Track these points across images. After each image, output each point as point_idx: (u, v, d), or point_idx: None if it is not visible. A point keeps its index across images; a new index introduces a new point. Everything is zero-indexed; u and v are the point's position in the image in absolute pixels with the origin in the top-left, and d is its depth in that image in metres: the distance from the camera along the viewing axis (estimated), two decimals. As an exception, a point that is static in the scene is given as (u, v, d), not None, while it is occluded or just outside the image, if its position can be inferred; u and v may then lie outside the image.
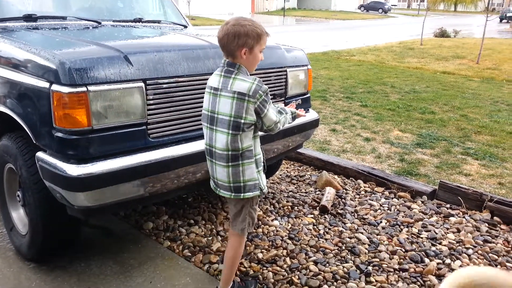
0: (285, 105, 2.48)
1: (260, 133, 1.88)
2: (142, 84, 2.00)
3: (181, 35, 2.84)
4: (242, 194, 1.84)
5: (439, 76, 9.70)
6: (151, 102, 2.06)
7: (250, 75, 1.81)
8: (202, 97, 2.21)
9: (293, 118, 2.07)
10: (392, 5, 56.51)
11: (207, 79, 2.24)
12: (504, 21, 30.90)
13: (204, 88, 1.91)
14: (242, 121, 1.74)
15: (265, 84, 2.13)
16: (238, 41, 1.72)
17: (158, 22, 3.46)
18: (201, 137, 2.28)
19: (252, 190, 1.85)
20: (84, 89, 1.83)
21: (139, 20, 3.29)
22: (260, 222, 2.78)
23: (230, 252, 2.00)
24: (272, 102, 1.90)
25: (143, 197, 2.20)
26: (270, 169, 3.42)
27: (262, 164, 1.90)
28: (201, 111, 1.91)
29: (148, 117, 2.05)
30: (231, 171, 1.81)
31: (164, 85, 2.09)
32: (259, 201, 2.10)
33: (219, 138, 1.79)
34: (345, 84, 8.20)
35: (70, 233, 2.36)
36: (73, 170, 1.85)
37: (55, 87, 1.84)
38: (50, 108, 1.87)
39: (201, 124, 1.93)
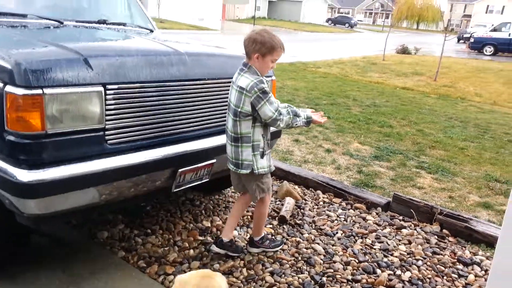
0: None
1: (272, 128, 2.37)
2: (101, 89, 1.96)
3: (146, 39, 2.82)
4: (239, 170, 2.30)
5: (399, 91, 10.10)
6: (110, 107, 2.02)
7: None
8: (165, 104, 2.23)
9: (308, 123, 2.37)
10: (358, 20, 58.43)
11: (170, 86, 2.26)
12: (461, 41, 32.61)
13: (167, 95, 2.12)
14: (239, 110, 2.18)
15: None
16: (255, 47, 2.17)
17: (124, 25, 3.40)
18: (162, 144, 2.27)
19: (246, 169, 2.28)
20: (39, 91, 1.78)
21: (104, 22, 3.21)
22: (218, 232, 2.78)
23: (255, 213, 2.57)
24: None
25: (99, 205, 2.14)
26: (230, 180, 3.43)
27: (261, 150, 2.28)
28: (163, 118, 2.21)
29: (107, 122, 2.01)
30: (233, 149, 2.29)
31: (125, 91, 2.06)
32: (268, 176, 2.44)
33: (228, 121, 2.29)
34: (310, 95, 8.37)
35: (19, 242, 2.26)
36: (24, 175, 1.78)
37: (9, 88, 1.77)
38: (2, 110, 1.80)
39: (162, 132, 2.23)
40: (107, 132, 2.02)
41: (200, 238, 2.72)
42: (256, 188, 2.37)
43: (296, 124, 2.33)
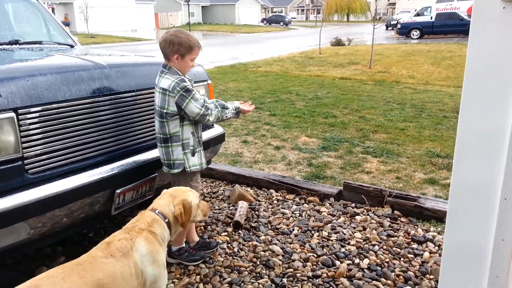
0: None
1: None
2: (12, 115, 1.76)
3: (63, 56, 2.60)
4: (172, 170, 2.30)
5: (338, 81, 10.38)
6: (27, 133, 1.82)
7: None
8: (91, 123, 2.06)
9: (237, 113, 2.43)
10: (292, 18, 59.71)
11: (94, 102, 2.08)
12: (389, 28, 34.37)
13: (92, 112, 2.04)
14: (165, 111, 2.19)
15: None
16: (172, 48, 2.18)
17: (40, 43, 3.15)
18: (93, 166, 2.09)
19: (178, 168, 2.29)
20: None
21: (16, 42, 2.95)
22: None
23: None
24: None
25: (31, 240, 1.93)
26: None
27: (191, 148, 2.29)
28: (91, 137, 2.10)
29: (24, 150, 1.81)
30: (164, 150, 2.29)
31: (41, 113, 1.86)
32: (199, 180, 2.49)
33: (156, 124, 2.28)
34: (253, 95, 8.35)
35: None
36: None
37: None
38: None
39: (92, 152, 2.12)
40: (26, 161, 1.82)
41: (151, 259, 2.55)
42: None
43: (226, 117, 2.37)
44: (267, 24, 53.48)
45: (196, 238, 2.60)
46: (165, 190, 1.98)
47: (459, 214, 1.06)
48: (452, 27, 23.97)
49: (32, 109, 1.83)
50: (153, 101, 2.40)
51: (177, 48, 2.18)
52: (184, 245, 2.49)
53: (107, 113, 2.15)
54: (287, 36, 33.36)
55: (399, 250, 2.61)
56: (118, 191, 2.15)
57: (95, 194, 2.06)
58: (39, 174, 1.87)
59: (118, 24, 37.32)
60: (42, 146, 1.88)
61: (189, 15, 42.88)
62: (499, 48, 0.92)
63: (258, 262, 2.50)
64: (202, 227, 2.95)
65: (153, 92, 2.39)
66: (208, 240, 2.70)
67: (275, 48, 20.96)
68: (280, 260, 2.51)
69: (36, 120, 1.85)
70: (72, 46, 3.25)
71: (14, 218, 1.74)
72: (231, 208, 3.30)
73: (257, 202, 3.41)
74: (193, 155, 2.32)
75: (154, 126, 2.43)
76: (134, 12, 40.85)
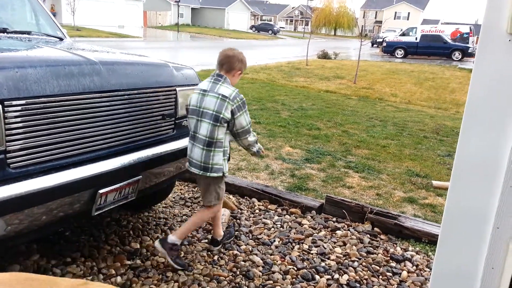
0: (175, 126, 2.68)
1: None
2: (-2, 106, 1.69)
3: (53, 48, 2.53)
4: (208, 173, 2.40)
5: (323, 94, 10.50)
6: (12, 126, 1.75)
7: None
8: (78, 119, 2.00)
9: (258, 152, 2.59)
10: (280, 27, 60.29)
11: (83, 99, 2.03)
12: (375, 45, 35.14)
13: (80, 109, 1.97)
14: (221, 115, 2.32)
15: (153, 104, 2.46)
16: (239, 65, 2.48)
17: (28, 33, 3.06)
18: (77, 164, 2.04)
19: (217, 172, 2.41)
20: None
21: (3, 31, 2.86)
22: (148, 254, 2.57)
23: (195, 218, 2.59)
24: (163, 122, 2.39)
25: (7, 237, 1.85)
26: (162, 193, 3.24)
27: (227, 155, 2.48)
28: (77, 135, 2.03)
29: (8, 144, 1.74)
30: (204, 153, 2.38)
31: (28, 107, 1.80)
32: (224, 181, 2.59)
33: (202, 126, 2.36)
34: (238, 101, 8.34)
35: None
36: None
37: None
38: None
39: (77, 150, 2.04)
40: (8, 155, 1.75)
41: (128, 262, 2.49)
42: (214, 193, 2.50)
43: (252, 148, 2.54)
44: (256, 31, 53.81)
45: (221, 233, 2.77)
46: None
47: (451, 239, 1.07)
48: (436, 49, 24.69)
49: (19, 102, 1.77)
50: (142, 101, 2.37)
51: (241, 66, 2.49)
52: (178, 243, 2.51)
53: (95, 110, 2.10)
54: (275, 45, 33.61)
55: (378, 267, 2.64)
56: (100, 191, 2.10)
57: (77, 193, 2.00)
58: (21, 169, 1.80)
59: (105, 19, 36.78)
60: (26, 140, 1.81)
61: (178, 16, 42.72)
62: (502, 78, 0.94)
63: (238, 272, 2.48)
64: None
65: (144, 93, 2.36)
66: (228, 230, 2.92)
67: (263, 56, 21.06)
68: (260, 271, 2.50)
69: (22, 113, 1.78)
70: (61, 39, 3.17)
71: (-9, 213, 1.67)
72: (212, 214, 3.26)
73: (239, 210, 3.39)
74: (227, 161, 2.50)
75: (141, 127, 2.39)
76: (123, 8, 40.36)
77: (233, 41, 34.62)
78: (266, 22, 63.33)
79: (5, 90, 1.73)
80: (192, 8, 55.49)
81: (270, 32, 52.02)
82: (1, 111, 1.71)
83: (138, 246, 2.69)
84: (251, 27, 57.30)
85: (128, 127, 2.30)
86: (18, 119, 1.78)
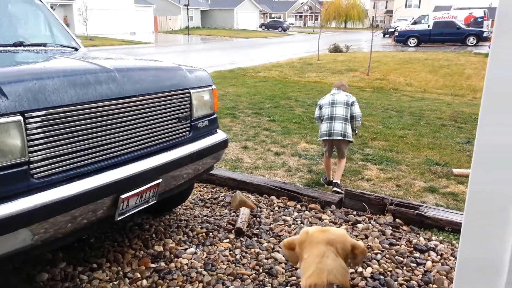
0: (191, 128, 2.68)
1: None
2: (19, 118, 1.74)
3: (69, 59, 2.59)
4: (347, 138, 3.78)
5: (337, 88, 10.40)
6: (33, 137, 1.80)
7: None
8: (97, 127, 2.04)
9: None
10: (290, 24, 60.00)
11: (101, 106, 2.07)
12: (386, 36, 34.60)
13: (99, 116, 2.03)
14: (349, 103, 3.86)
15: (169, 108, 2.51)
16: (347, 88, 4.12)
17: (44, 45, 3.13)
18: (99, 171, 2.08)
19: (350, 138, 3.83)
20: None
21: (20, 44, 2.93)
22: (172, 256, 2.61)
23: (342, 164, 3.93)
24: (179, 125, 2.54)
25: (34, 246, 1.91)
26: (181, 195, 3.27)
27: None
28: (97, 142, 2.06)
29: (30, 155, 1.79)
30: (344, 126, 3.76)
31: (49, 117, 1.85)
32: None
33: (341, 110, 3.80)
34: (253, 100, 8.36)
35: None
36: None
37: None
38: None
39: (98, 157, 2.08)
40: (32, 166, 1.80)
41: (153, 265, 2.53)
42: (346, 149, 3.96)
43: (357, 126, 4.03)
44: (266, 29, 53.67)
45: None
46: (307, 231, 1.64)
47: (475, 227, 1.05)
48: (449, 35, 24.18)
49: (39, 113, 1.81)
50: (158, 106, 2.41)
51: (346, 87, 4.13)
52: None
53: (113, 117, 2.14)
54: (285, 41, 33.49)
55: (401, 259, 2.61)
56: (122, 196, 2.14)
57: (100, 199, 2.04)
58: (45, 179, 1.85)
59: (117, 27, 37.29)
60: (48, 150, 1.86)
61: (188, 19, 43.00)
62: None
63: (261, 270, 2.49)
64: (203, 234, 2.94)
65: (160, 97, 2.39)
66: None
67: (274, 53, 21.03)
68: (283, 268, 2.51)
69: (42, 124, 1.83)
70: (76, 49, 3.24)
71: (19, 223, 1.72)
72: (232, 214, 3.28)
73: (258, 208, 3.40)
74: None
75: (157, 131, 2.42)
76: (133, 15, 40.85)
77: (243, 40, 34.65)
78: (275, 19, 63.09)
79: (25, 102, 1.77)
80: (201, 11, 55.73)
81: (279, 29, 51.82)
82: (22, 123, 1.75)
83: (161, 248, 2.73)
84: (261, 26, 57.18)
85: (145, 132, 2.33)
86: (39, 130, 1.82)
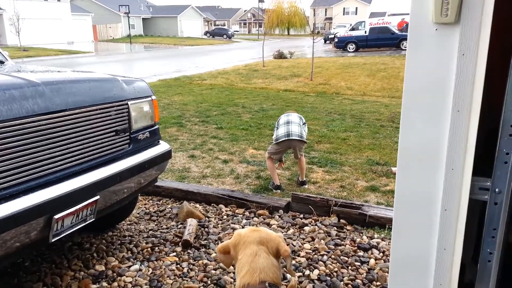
0: (131, 141, 2.59)
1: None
2: None
3: (-9, 73, 2.40)
4: (303, 139, 4.05)
5: (282, 93, 10.62)
6: (-51, 159, 1.64)
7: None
8: (24, 145, 1.91)
9: None
10: (235, 31, 60.41)
11: (28, 123, 1.94)
12: (327, 42, 35.89)
13: (26, 134, 1.91)
14: (302, 124, 4.24)
15: (105, 121, 2.38)
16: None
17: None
18: (27, 191, 1.94)
19: (305, 139, 4.12)
20: None
21: None
22: (114, 275, 2.49)
23: (303, 163, 4.17)
24: (117, 138, 2.37)
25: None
26: (125, 210, 3.15)
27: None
28: (24, 161, 1.94)
29: None
30: (300, 129, 4.04)
31: (-34, 137, 1.70)
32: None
33: (295, 122, 4.11)
34: (199, 108, 8.29)
35: None
36: None
37: None
38: None
39: (25, 176, 1.95)
40: (-51, 190, 1.64)
41: (94, 286, 2.40)
42: (302, 150, 4.16)
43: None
44: (211, 36, 53.62)
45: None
46: (239, 233, 1.67)
47: (403, 225, 1.11)
48: (385, 40, 25.55)
49: (-45, 133, 1.66)
50: (93, 119, 2.30)
51: None
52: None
53: (42, 134, 2.01)
54: (231, 49, 33.65)
55: (346, 258, 2.69)
56: (56, 216, 2.01)
57: (31, 221, 1.90)
58: (-36, 204, 1.69)
59: (54, 37, 35.48)
60: (-33, 172, 1.71)
61: (129, 27, 41.86)
62: (432, 69, 0.98)
63: (209, 282, 2.45)
64: (149, 249, 2.84)
65: (94, 110, 2.29)
66: None
67: (220, 60, 21.05)
68: (231, 277, 2.48)
69: (-41, 144, 1.68)
70: (2, 62, 3.02)
71: None
72: (179, 226, 3.21)
73: (207, 218, 3.35)
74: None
75: (93, 145, 2.31)
76: (71, 24, 39.09)
77: (189, 48, 34.34)
78: (220, 27, 63.29)
79: None
80: (143, 19, 54.56)
81: (225, 36, 52.00)
82: None
83: (103, 268, 2.60)
84: (205, 33, 57.04)
85: (79, 147, 2.22)
86: (-44, 151, 1.67)
